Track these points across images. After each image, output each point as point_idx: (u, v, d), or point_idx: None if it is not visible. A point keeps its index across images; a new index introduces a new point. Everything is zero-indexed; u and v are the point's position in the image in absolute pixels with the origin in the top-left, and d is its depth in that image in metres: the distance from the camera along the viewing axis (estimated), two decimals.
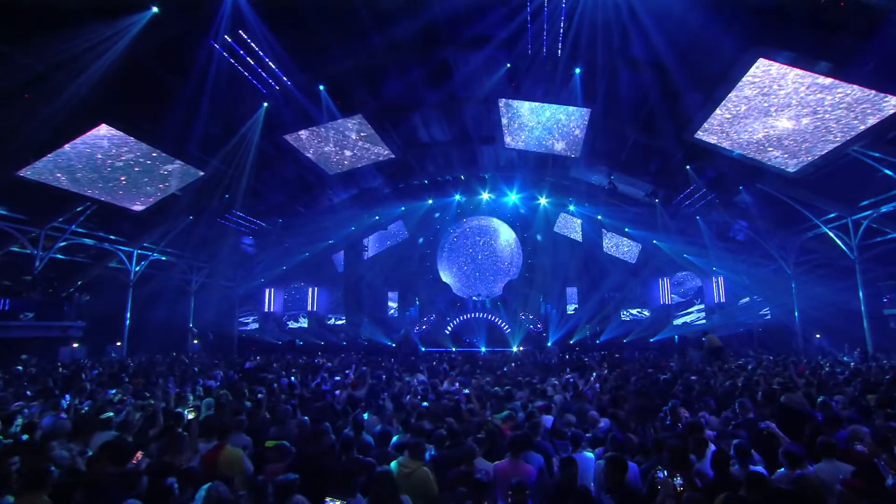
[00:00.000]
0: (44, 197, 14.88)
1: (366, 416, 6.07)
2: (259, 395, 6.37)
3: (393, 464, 3.84)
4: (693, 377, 8.06)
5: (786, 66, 9.13)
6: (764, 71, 9.52)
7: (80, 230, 17.35)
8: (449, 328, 26.07)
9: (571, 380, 8.12)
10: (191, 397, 6.47)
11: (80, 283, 21.27)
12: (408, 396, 6.76)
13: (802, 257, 17.42)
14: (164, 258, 21.75)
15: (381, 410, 6.37)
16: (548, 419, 5.43)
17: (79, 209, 16.32)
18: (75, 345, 21.13)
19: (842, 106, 9.93)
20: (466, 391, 6.81)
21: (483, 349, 22.32)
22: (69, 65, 9.65)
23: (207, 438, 4.48)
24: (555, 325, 24.94)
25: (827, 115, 10.43)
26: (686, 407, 5.94)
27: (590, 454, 3.98)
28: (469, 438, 4.41)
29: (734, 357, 13.64)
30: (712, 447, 3.80)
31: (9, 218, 15.39)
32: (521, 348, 22.18)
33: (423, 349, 22.78)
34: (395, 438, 4.87)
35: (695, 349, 12.63)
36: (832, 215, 15.12)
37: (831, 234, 15.27)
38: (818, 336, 18.56)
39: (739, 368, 9.69)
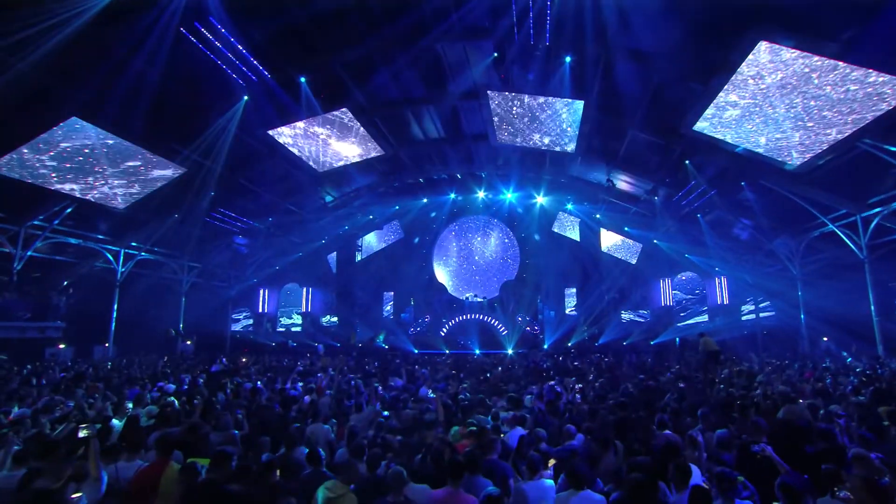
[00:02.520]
0: (21, 194, 14.46)
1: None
2: (195, 402, 5.80)
3: (321, 488, 3.29)
4: (682, 385, 7.38)
5: (789, 50, 8.48)
6: (765, 55, 8.87)
7: (62, 228, 16.92)
8: (444, 330, 25.47)
9: (558, 388, 7.49)
10: (130, 405, 5.93)
11: (66, 282, 20.92)
12: (367, 406, 6.17)
13: (809, 257, 16.66)
14: (152, 257, 21.30)
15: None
16: (517, 433, 4.83)
17: (58, 207, 15.89)
18: (61, 346, 20.79)
19: (849, 93, 9.25)
20: (433, 396, 6.21)
21: (477, 351, 21.70)
22: (30, 50, 9.16)
23: (130, 454, 3.95)
24: (552, 327, 24.28)
25: (832, 104, 9.75)
26: (676, 420, 5.32)
27: (549, 482, 3.38)
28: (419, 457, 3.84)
29: (735, 361, 12.93)
30: (696, 475, 3.18)
31: None
32: (512, 351, 21.53)
33: (417, 351, 22.20)
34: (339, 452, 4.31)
35: (692, 353, 11.96)
36: (840, 212, 14.39)
37: (839, 233, 14.55)
38: (825, 339, 17.81)
39: (740, 374, 9.01)
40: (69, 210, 16.02)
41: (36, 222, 16.05)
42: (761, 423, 4.15)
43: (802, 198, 14.09)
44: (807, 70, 8.97)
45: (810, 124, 10.56)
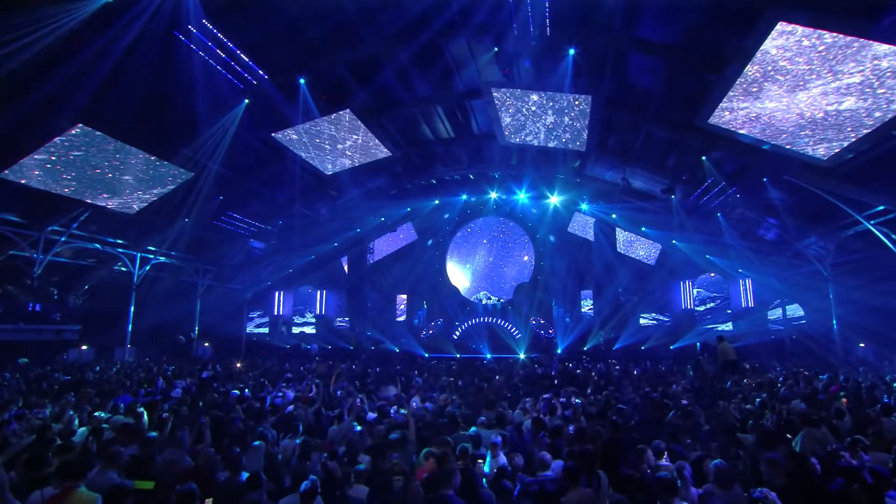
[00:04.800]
0: (40, 201, 14.85)
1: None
2: (164, 415, 5.56)
3: None
4: (685, 402, 6.70)
5: (811, 29, 7.72)
6: (785, 37, 8.13)
7: (80, 233, 17.36)
8: (457, 333, 25.04)
9: (554, 401, 6.95)
10: (103, 415, 5.75)
11: (86, 286, 21.52)
12: (347, 418, 5.81)
13: (841, 258, 15.46)
14: (168, 261, 21.67)
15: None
16: (500, 459, 4.37)
17: (76, 213, 16.29)
18: (84, 347, 21.40)
19: (884, 76, 8.39)
20: (404, 411, 5.77)
21: (488, 356, 21.16)
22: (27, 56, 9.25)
23: (61, 479, 3.68)
24: (567, 331, 23.53)
25: (866, 89, 8.88)
26: (676, 442, 4.76)
27: None
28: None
29: (758, 370, 11.99)
30: None
31: (8, 222, 15.46)
32: (525, 355, 20.88)
33: (427, 355, 21.83)
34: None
35: (709, 362, 11.13)
36: (877, 209, 13.26)
37: (875, 231, 13.42)
38: (862, 345, 16.53)
39: (758, 387, 8.22)
40: (85, 215, 16.40)
41: (56, 227, 16.49)
42: (777, 459, 3.51)
43: (833, 194, 13.04)
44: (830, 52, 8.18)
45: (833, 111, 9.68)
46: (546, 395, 7.18)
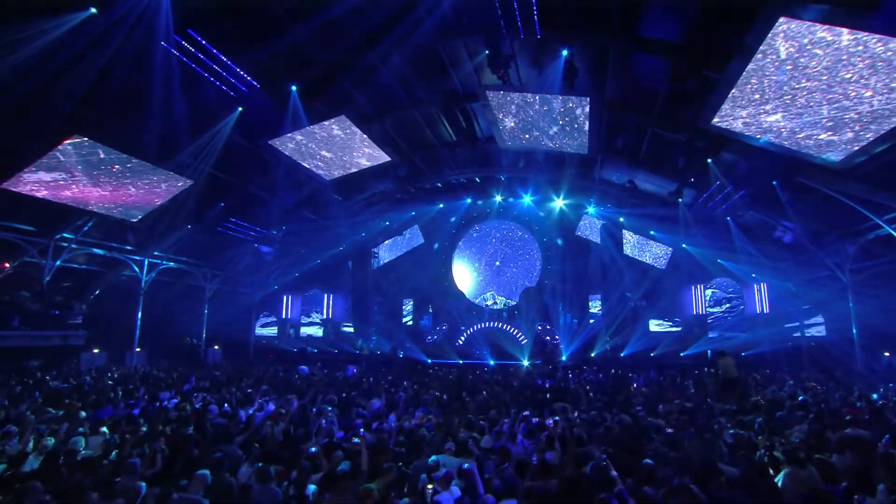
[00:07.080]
0: (47, 209, 15.16)
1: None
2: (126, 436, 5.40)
3: None
4: (670, 430, 6.17)
5: (816, 24, 7.17)
6: (788, 33, 7.59)
7: (88, 240, 17.72)
8: (462, 338, 24.71)
9: (535, 421, 6.57)
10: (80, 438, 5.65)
11: (97, 291, 22.00)
12: (315, 437, 5.58)
13: (861, 263, 14.59)
14: (175, 266, 21.99)
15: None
16: (447, 496, 4.06)
17: (83, 220, 16.62)
18: (96, 350, 21.86)
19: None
20: (363, 432, 5.46)
21: (491, 362, 20.78)
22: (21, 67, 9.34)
23: None
24: (574, 337, 22.96)
25: (880, 86, 8.25)
26: (650, 482, 4.37)
27: None
28: None
29: (763, 383, 11.28)
30: None
31: (18, 230, 15.85)
32: (529, 362, 20.42)
33: (430, 361, 21.58)
34: None
35: (709, 377, 10.54)
36: None
37: None
38: (887, 354, 15.58)
39: (755, 409, 7.60)
40: (92, 223, 16.72)
41: (65, 235, 16.85)
42: None
43: (850, 196, 12.28)
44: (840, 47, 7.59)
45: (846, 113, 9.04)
46: (525, 413, 6.75)
